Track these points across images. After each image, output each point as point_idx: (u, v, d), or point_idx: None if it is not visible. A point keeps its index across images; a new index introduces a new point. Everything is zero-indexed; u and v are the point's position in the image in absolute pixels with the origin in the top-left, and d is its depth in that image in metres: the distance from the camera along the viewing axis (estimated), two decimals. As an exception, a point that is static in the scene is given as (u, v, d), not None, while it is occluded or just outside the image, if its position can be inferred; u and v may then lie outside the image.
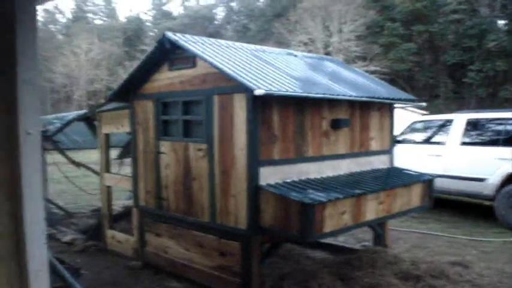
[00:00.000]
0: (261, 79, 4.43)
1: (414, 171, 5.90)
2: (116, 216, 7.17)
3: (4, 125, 1.80)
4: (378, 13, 39.12)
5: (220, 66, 4.46)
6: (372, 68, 35.21)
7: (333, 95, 4.73)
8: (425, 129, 9.83)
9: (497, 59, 32.47)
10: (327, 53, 37.56)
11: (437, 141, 9.22)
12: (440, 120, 9.46)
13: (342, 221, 4.47)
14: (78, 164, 8.50)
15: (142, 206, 5.84)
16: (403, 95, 5.89)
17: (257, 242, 4.58)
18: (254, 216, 4.44)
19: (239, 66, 4.66)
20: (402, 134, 9.79)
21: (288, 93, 4.30)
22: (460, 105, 29.93)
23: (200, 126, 4.91)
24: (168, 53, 5.18)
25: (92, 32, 54.14)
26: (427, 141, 9.50)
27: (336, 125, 5.13)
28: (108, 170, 6.68)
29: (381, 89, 5.83)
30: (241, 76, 4.32)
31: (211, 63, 4.55)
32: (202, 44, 5.03)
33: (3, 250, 1.82)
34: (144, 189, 5.75)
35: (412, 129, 9.97)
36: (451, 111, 16.66)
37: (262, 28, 46.39)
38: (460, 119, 8.86)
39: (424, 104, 6.06)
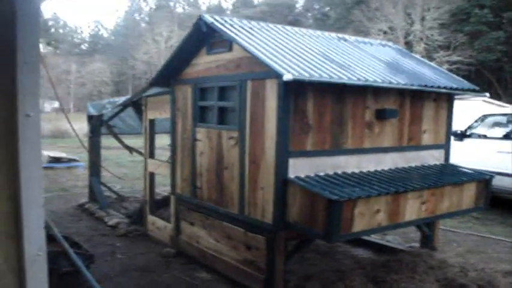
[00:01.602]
0: (295, 64, 4.12)
1: (470, 170, 5.32)
2: (159, 202, 7.18)
3: (3, 107, 1.77)
4: (465, -1, 36.69)
5: (252, 50, 4.21)
6: (455, 58, 33.23)
7: (375, 82, 4.32)
8: (497, 123, 8.97)
9: None
10: (407, 42, 35.90)
11: (509, 136, 8.38)
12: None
13: (374, 221, 4.09)
14: (131, 149, 8.64)
15: (179, 193, 5.75)
16: (464, 84, 5.31)
17: (282, 238, 4.31)
18: (281, 211, 4.18)
19: (274, 50, 4.37)
20: (470, 127, 8.99)
21: (321, 79, 3.97)
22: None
23: (233, 113, 4.70)
24: (206, 37, 5.00)
25: (173, 20, 55.79)
26: (499, 136, 8.66)
27: (381, 115, 4.71)
28: (152, 156, 6.68)
29: (439, 78, 5.29)
30: (272, 60, 4.05)
31: (243, 47, 4.31)
32: (240, 27, 4.80)
33: (2, 233, 1.81)
34: (181, 176, 5.66)
35: (482, 122, 9.15)
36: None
37: (341, 16, 45.20)
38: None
39: (487, 94, 5.43)
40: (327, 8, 51.59)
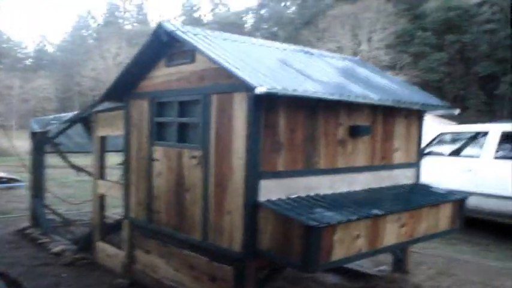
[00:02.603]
0: (267, 76, 3.77)
1: (443, 189, 5.13)
2: (109, 227, 6.58)
3: None
4: (409, 22, 38.15)
5: (220, 60, 3.82)
6: (401, 78, 34.21)
7: (350, 97, 4.03)
8: (454, 141, 9.00)
9: None
10: (355, 62, 36.60)
11: (468, 154, 8.38)
12: (473, 131, 8.61)
13: (355, 247, 3.76)
14: (78, 169, 7.98)
15: (133, 218, 5.22)
16: (434, 100, 5.15)
17: (253, 267, 3.90)
18: (251, 238, 3.77)
19: (243, 61, 4.01)
20: (428, 145, 8.96)
21: (296, 93, 3.63)
22: (491, 118, 28.71)
23: (196, 130, 4.28)
24: (166, 47, 4.58)
25: (122, 37, 54.69)
26: (457, 154, 8.66)
27: (354, 132, 4.42)
28: (101, 177, 6.11)
29: (409, 94, 5.09)
30: (242, 72, 3.67)
31: (209, 57, 3.92)
32: (204, 36, 4.41)
33: None
34: (136, 199, 5.14)
35: (440, 140, 9.15)
36: (483, 123, 15.61)
37: (290, 35, 45.83)
38: (495, 131, 8.00)
39: (457, 110, 5.31)
40: (275, 28, 52.24)
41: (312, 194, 4.16)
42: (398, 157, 5.06)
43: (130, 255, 5.33)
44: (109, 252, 5.89)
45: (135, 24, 66.70)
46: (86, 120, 6.28)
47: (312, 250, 3.37)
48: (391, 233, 4.08)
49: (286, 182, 3.97)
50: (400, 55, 36.65)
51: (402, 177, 5.15)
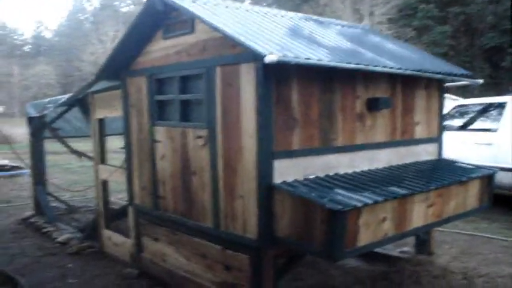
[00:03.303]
0: (276, 44, 3.38)
1: (467, 164, 4.76)
2: (115, 213, 6.28)
3: None
4: (412, -6, 37.28)
5: (223, 27, 3.42)
6: (405, 52, 33.48)
7: (369, 65, 3.63)
8: (471, 114, 8.58)
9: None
10: (357, 37, 35.92)
11: (486, 128, 7.97)
12: (490, 103, 8.18)
13: (381, 231, 3.41)
14: (79, 154, 7.64)
15: (138, 204, 4.89)
16: (457, 70, 4.73)
17: (270, 256, 3.56)
18: (266, 224, 3.42)
19: (248, 28, 3.61)
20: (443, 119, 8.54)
21: (310, 61, 3.23)
22: (497, 91, 28.15)
23: (200, 107, 3.90)
24: (162, 17, 4.17)
25: (118, 20, 53.87)
26: (474, 128, 8.26)
27: (373, 105, 4.04)
28: (103, 161, 5.76)
29: (429, 62, 4.69)
30: (249, 39, 3.28)
31: (211, 25, 3.51)
32: (203, 3, 3.99)
33: None
34: (140, 184, 4.79)
35: (455, 114, 8.74)
36: (488, 96, 15.10)
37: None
38: (515, 102, 7.59)
39: (481, 81, 4.91)
40: (275, 6, 51.33)
41: (330, 173, 3.80)
42: (419, 131, 4.67)
43: (137, 243, 5.01)
44: (116, 241, 5.58)
45: (131, 6, 65.57)
46: (82, 102, 5.91)
47: (337, 236, 3.02)
48: (419, 214, 3.73)
49: (303, 162, 3.60)
50: (403, 29, 35.82)
51: (424, 153, 4.78)
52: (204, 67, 3.74)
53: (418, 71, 4.07)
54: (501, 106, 7.80)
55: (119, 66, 4.67)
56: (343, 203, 3.05)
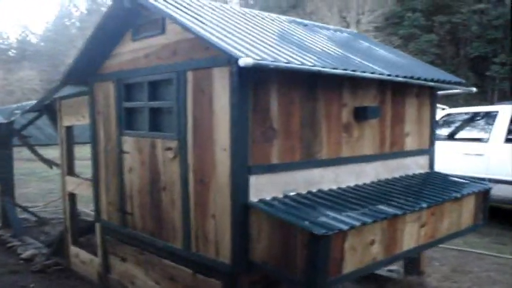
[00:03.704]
0: (253, 46, 3.02)
1: (462, 178, 4.44)
2: (85, 227, 5.85)
3: None
4: (398, 3, 37.38)
5: (195, 27, 3.06)
6: (392, 61, 33.49)
7: (356, 71, 3.29)
8: (460, 123, 8.31)
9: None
10: (344, 45, 35.89)
11: (477, 137, 7.71)
12: (480, 112, 7.92)
13: (369, 256, 3.06)
14: (50, 163, 7.21)
15: (105, 220, 4.48)
16: (450, 77, 4.43)
17: (245, 282, 3.19)
18: (241, 247, 3.05)
19: (225, 30, 3.26)
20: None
21: (291, 65, 2.88)
22: (482, 100, 28.15)
23: (170, 116, 3.53)
24: (131, 17, 3.80)
25: (105, 25, 53.28)
26: (464, 137, 7.99)
27: (361, 115, 3.70)
28: (71, 172, 5.34)
29: (421, 70, 4.38)
30: (222, 41, 2.92)
31: (183, 25, 3.15)
32: (175, 1, 3.63)
33: None
34: (106, 199, 4.39)
35: (444, 123, 8.47)
36: (472, 105, 14.88)
37: (277, 19, 44.75)
38: (506, 111, 7.33)
39: (474, 89, 4.62)
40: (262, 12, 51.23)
41: (313, 190, 3.45)
42: (409, 143, 4.35)
43: (105, 263, 4.61)
44: (83, 258, 5.16)
45: (119, 11, 64.95)
46: (49, 109, 5.49)
47: (320, 263, 2.65)
48: (411, 235, 3.38)
49: (282, 177, 3.24)
50: (389, 37, 35.83)
51: (414, 165, 4.45)
52: (174, 71, 3.37)
53: (410, 77, 3.74)
54: (492, 115, 7.54)
55: (86, 69, 4.28)
56: (327, 225, 2.69)
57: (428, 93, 4.49)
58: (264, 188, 3.12)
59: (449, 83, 4.28)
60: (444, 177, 4.42)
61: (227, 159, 3.01)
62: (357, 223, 2.81)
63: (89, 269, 5.04)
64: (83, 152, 7.96)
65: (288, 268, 2.82)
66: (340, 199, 3.31)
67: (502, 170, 7.05)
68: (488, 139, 7.43)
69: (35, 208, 8.53)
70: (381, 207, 3.20)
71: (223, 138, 3.02)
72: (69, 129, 5.22)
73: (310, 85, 3.35)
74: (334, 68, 3.09)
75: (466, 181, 4.29)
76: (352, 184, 3.76)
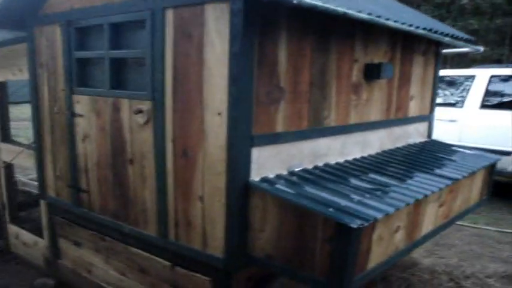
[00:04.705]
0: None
1: (467, 149, 3.99)
2: (23, 203, 4.98)
3: None
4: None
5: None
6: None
7: (381, 18, 2.62)
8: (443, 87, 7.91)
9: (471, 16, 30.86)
10: None
11: (451, 102, 7.35)
12: (458, 76, 7.54)
13: (392, 245, 2.51)
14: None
15: (52, 197, 3.68)
16: (461, 34, 3.87)
17: (242, 280, 2.56)
18: (238, 238, 2.40)
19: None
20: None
21: (314, 2, 2.17)
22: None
23: (140, 69, 2.75)
24: None
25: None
26: (439, 102, 7.62)
27: (373, 73, 3.08)
28: (6, 138, 4.42)
29: (432, 24, 3.78)
30: (219, -32, 2.17)
31: None
32: None
33: None
34: (53, 172, 3.58)
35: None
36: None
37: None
38: (483, 75, 6.99)
39: (482, 48, 4.13)
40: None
41: (319, 163, 2.83)
42: (413, 108, 3.81)
43: (53, 246, 3.83)
44: (25, 240, 4.34)
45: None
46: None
47: (348, 261, 2.06)
48: (430, 216, 2.87)
49: (287, 149, 2.59)
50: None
51: (416, 133, 3.93)
52: (147, 9, 2.57)
53: (429, 30, 3.14)
54: (469, 79, 7.19)
55: (23, 8, 3.35)
56: (358, 213, 2.08)
57: (434, 51, 3.94)
58: (266, 163, 2.46)
59: (461, 39, 3.72)
60: (447, 147, 3.94)
61: (222, 126, 2.31)
62: (390, 209, 2.22)
63: (33, 252, 4.24)
64: (15, 113, 6.91)
65: (303, 266, 2.22)
66: (354, 176, 2.71)
67: (475, 137, 6.75)
68: (463, 104, 7.09)
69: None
70: (405, 186, 2.63)
71: (218, 99, 2.30)
72: (2, 85, 4.27)
73: (322, 33, 2.67)
74: (359, 12, 2.42)
75: (474, 152, 3.83)
76: (358, 156, 3.17)
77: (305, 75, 2.60)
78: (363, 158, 3.18)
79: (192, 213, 2.57)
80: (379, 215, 2.12)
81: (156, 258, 2.90)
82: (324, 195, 2.31)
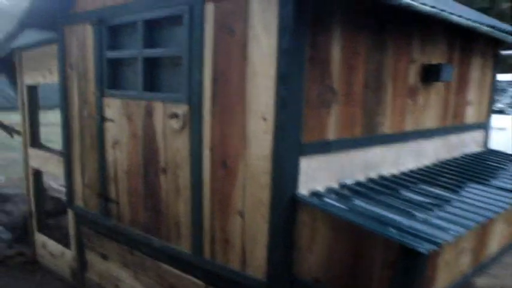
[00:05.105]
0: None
1: None
2: (54, 209, 4.84)
3: None
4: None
5: None
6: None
7: (445, 11, 2.32)
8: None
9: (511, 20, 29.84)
10: None
11: (499, 109, 6.90)
12: (506, 81, 7.09)
13: (457, 269, 2.19)
14: (10, 131, 6.07)
15: (80, 207, 3.48)
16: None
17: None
18: (283, 258, 2.12)
19: None
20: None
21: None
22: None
23: (176, 69, 2.52)
24: None
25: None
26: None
27: (432, 75, 2.76)
28: (35, 144, 4.27)
29: (489, 21, 3.45)
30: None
31: None
32: None
33: None
34: (82, 180, 3.38)
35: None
36: None
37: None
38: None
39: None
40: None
41: (373, 175, 2.53)
42: (470, 114, 3.46)
43: (80, 258, 3.63)
44: (52, 250, 4.18)
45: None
46: (6, 63, 4.34)
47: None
48: (496, 236, 2.53)
49: (339, 159, 2.30)
50: None
51: (471, 142, 3.58)
52: (185, 3, 2.34)
53: (493, 27, 2.81)
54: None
55: (53, 7, 3.18)
56: (425, 236, 1.77)
57: (492, 53, 3.59)
58: (316, 174, 2.18)
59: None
60: (508, 157, 3.57)
61: (268, 132, 2.04)
62: (461, 230, 1.91)
63: (59, 263, 4.07)
64: (49, 118, 6.85)
65: (359, 294, 1.92)
66: (413, 190, 2.40)
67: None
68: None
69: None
70: (470, 202, 2.30)
71: (263, 102, 2.04)
72: (32, 88, 4.12)
73: (378, 29, 2.38)
74: (423, 4, 2.12)
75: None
76: (413, 166, 2.86)
77: (359, 75, 2.32)
78: (418, 169, 2.86)
79: (230, 229, 2.31)
80: (449, 238, 1.81)
81: (189, 276, 2.64)
82: (383, 212, 2.01)
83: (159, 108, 2.60)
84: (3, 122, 6.25)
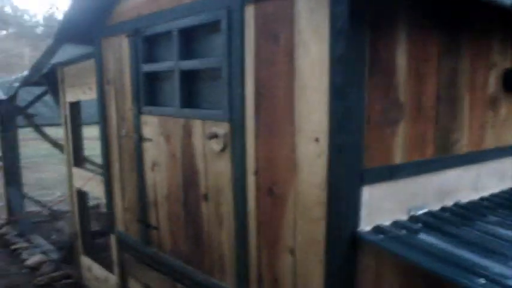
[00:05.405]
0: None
1: None
2: (100, 230, 4.70)
3: None
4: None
5: None
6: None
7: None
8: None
9: None
10: None
11: None
12: None
13: None
14: (61, 147, 6.04)
15: (121, 232, 3.26)
16: None
17: None
18: (344, 310, 1.77)
19: None
20: None
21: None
22: None
23: (215, 83, 2.23)
24: None
25: None
26: None
27: (517, 81, 2.33)
28: (79, 163, 4.13)
29: None
30: None
31: None
32: None
33: None
34: (122, 203, 3.16)
35: None
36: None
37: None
38: None
39: None
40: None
41: (449, 203, 2.12)
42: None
43: (123, 285, 3.41)
44: (97, 274, 4.00)
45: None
46: (50, 79, 4.25)
47: None
48: None
49: (408, 186, 1.92)
50: None
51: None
52: (222, 7, 2.05)
53: None
54: None
55: (90, 19, 2.99)
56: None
57: None
58: (380, 205, 1.81)
59: None
60: None
61: (321, 157, 1.70)
62: None
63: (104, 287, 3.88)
64: (95, 133, 6.80)
65: None
66: (499, 223, 1.97)
67: None
68: None
69: (48, 199, 7.43)
70: None
71: (315, 120, 1.70)
72: (74, 105, 3.99)
73: (451, 30, 1.99)
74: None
75: None
76: (495, 190, 2.41)
77: (430, 86, 1.93)
78: (502, 192, 2.41)
79: (279, 268, 1.97)
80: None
81: (234, 316, 2.33)
82: (465, 253, 1.62)
83: (198, 127, 2.32)
84: (52, 139, 6.25)
